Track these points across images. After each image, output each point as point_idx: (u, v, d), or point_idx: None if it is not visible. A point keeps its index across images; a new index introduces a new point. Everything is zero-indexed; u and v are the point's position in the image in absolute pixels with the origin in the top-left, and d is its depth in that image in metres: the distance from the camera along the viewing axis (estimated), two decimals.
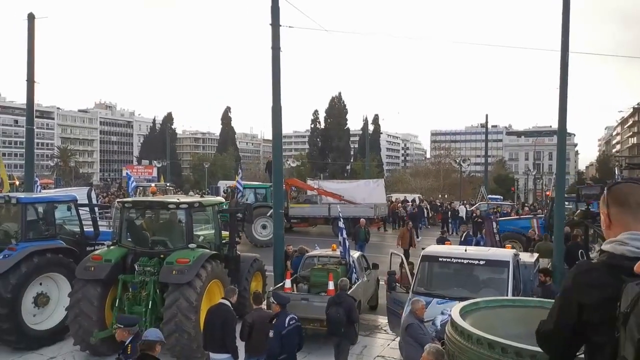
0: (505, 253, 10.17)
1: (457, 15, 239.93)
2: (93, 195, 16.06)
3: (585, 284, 2.07)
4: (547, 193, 44.53)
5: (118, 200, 14.54)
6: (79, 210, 12.31)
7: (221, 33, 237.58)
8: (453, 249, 10.58)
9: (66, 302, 9.80)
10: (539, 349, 3.64)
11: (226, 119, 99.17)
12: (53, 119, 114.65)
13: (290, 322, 7.61)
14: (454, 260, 9.66)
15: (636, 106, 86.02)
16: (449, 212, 32.70)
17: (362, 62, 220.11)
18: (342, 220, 12.65)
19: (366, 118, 79.71)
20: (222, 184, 52.03)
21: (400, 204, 35.03)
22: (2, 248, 10.19)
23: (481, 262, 9.48)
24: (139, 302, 9.55)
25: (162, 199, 11.47)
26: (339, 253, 12.08)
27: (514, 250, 11.33)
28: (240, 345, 7.95)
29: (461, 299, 6.29)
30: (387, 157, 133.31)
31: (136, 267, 9.71)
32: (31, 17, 15.93)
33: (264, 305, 8.94)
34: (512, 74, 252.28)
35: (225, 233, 11.83)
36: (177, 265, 9.21)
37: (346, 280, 9.69)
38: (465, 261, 9.55)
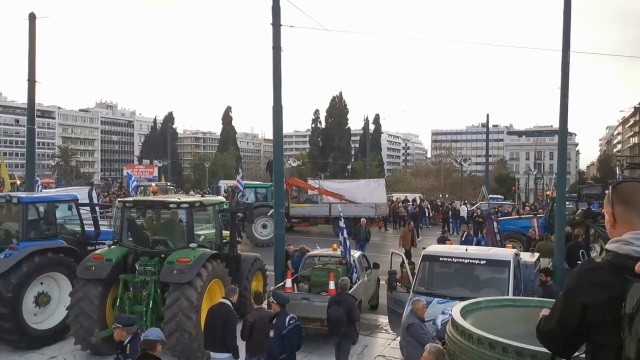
0: (506, 253, 10.16)
1: (458, 15, 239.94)
2: (94, 194, 16.08)
3: (590, 283, 2.05)
4: (548, 193, 44.47)
5: (119, 199, 14.53)
6: (80, 210, 12.32)
7: (222, 32, 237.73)
8: (454, 249, 10.58)
9: (67, 302, 9.81)
10: (539, 349, 3.65)
11: (227, 118, 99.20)
12: (54, 118, 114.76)
13: (290, 322, 7.62)
14: (455, 260, 9.65)
15: (637, 106, 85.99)
16: (450, 212, 32.72)
17: (363, 62, 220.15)
18: (342, 219, 12.64)
19: (367, 118, 79.77)
20: (223, 184, 52.12)
21: (401, 204, 35.05)
22: (3, 247, 10.20)
23: (482, 262, 9.48)
24: (139, 302, 9.55)
25: (163, 199, 11.47)
26: (339, 253, 12.08)
27: (515, 250, 11.32)
28: (241, 345, 7.95)
29: (462, 299, 6.30)
30: (388, 157, 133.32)
31: (137, 266, 9.71)
32: (32, 17, 15.93)
33: (264, 305, 8.94)
34: (513, 74, 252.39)
35: (226, 233, 11.83)
36: (177, 264, 9.22)
37: (347, 279, 9.68)
38: (466, 261, 9.55)
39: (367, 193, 28.51)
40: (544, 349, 2.67)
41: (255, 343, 7.80)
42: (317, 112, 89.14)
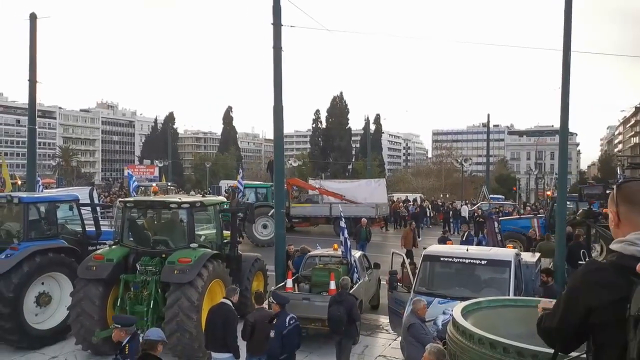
0: (507, 253, 10.15)
1: (458, 15, 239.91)
2: (95, 194, 16.04)
3: (594, 283, 2.03)
4: (548, 193, 44.43)
5: (120, 199, 14.53)
6: (81, 210, 12.32)
7: (222, 32, 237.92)
8: (455, 249, 10.58)
9: (68, 302, 9.82)
10: (540, 349, 3.65)
11: (228, 118, 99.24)
12: (55, 118, 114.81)
13: (291, 322, 7.65)
14: (456, 260, 9.65)
15: (638, 105, 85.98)
16: (450, 212, 32.72)
17: (363, 62, 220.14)
18: (343, 219, 12.64)
19: (368, 118, 79.37)
20: (224, 184, 52.12)
21: (401, 204, 35.05)
22: (4, 247, 10.20)
23: (483, 262, 9.47)
24: (140, 302, 9.55)
25: (164, 199, 11.47)
26: (340, 253, 12.08)
27: (516, 250, 11.32)
28: (242, 345, 7.95)
29: (463, 299, 6.31)
30: (389, 157, 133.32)
31: (138, 266, 9.71)
32: (33, 17, 15.95)
33: (265, 305, 8.95)
34: (514, 74, 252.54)
35: (226, 233, 11.84)
36: (178, 264, 9.22)
37: (347, 279, 9.69)
38: (467, 261, 9.54)
39: (367, 193, 28.52)
40: (545, 349, 2.67)
41: (256, 343, 7.81)
42: (317, 112, 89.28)
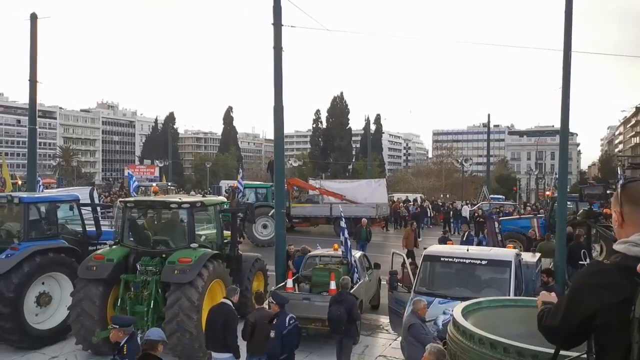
0: (507, 253, 10.15)
1: (459, 15, 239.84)
2: (95, 194, 16.02)
3: (597, 285, 2.01)
4: (548, 193, 44.42)
5: (120, 199, 14.53)
6: (81, 210, 12.32)
7: (223, 33, 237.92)
8: (455, 249, 10.58)
9: (68, 302, 9.82)
10: (540, 349, 3.65)
11: (228, 118, 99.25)
12: (55, 118, 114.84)
13: (290, 322, 7.66)
14: (456, 260, 9.65)
15: (639, 105, 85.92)
16: (451, 212, 32.71)
17: (364, 62, 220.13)
18: (343, 219, 12.64)
19: (368, 118, 79.64)
20: (224, 184, 52.11)
21: (402, 204, 35.04)
22: (5, 247, 10.21)
23: (483, 262, 9.47)
24: (140, 302, 9.56)
25: (164, 199, 11.47)
26: (340, 253, 12.08)
27: (516, 250, 11.32)
28: (242, 345, 7.96)
29: (463, 299, 6.30)
30: (389, 157, 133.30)
31: (138, 266, 9.72)
32: (34, 17, 15.96)
33: (266, 305, 8.95)
34: (514, 74, 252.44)
35: (226, 233, 11.84)
36: (178, 264, 9.22)
37: (348, 278, 9.69)
38: (468, 261, 9.54)
39: (368, 193, 28.51)
40: (545, 349, 2.67)
41: (257, 343, 7.81)
42: (318, 112, 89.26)
